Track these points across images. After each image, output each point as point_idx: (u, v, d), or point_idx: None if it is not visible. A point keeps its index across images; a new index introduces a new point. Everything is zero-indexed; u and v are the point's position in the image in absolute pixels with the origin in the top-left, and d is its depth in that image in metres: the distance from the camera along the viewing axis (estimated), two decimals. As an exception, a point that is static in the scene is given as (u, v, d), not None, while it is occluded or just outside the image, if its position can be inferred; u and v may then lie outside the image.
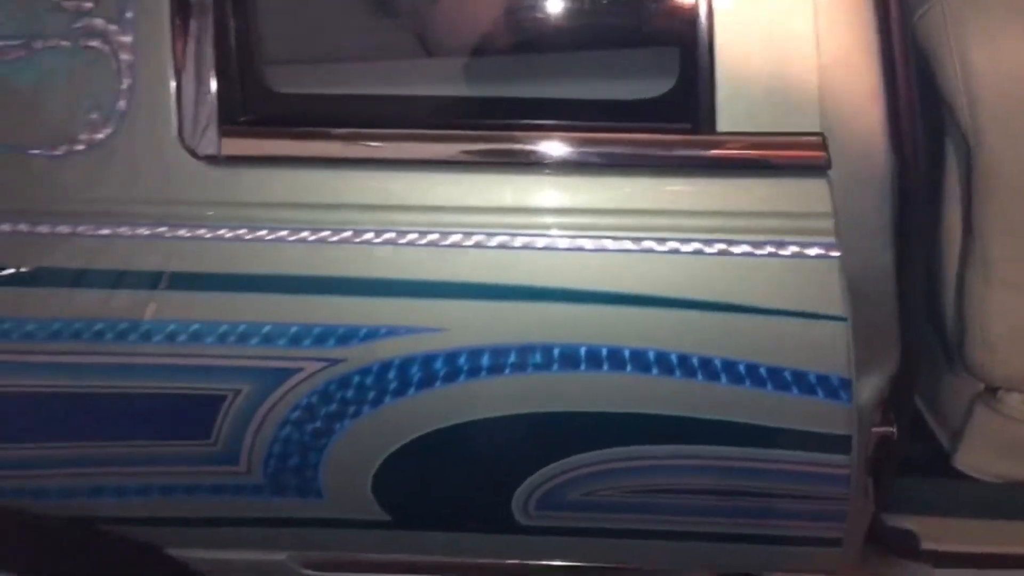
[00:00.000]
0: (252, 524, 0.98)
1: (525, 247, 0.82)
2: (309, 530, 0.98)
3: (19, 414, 0.87)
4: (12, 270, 0.84)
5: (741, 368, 0.83)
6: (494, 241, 0.83)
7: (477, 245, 0.82)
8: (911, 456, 1.07)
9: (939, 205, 1.00)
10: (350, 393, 0.87)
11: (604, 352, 0.84)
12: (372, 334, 0.85)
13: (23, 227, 0.84)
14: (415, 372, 0.86)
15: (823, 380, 0.82)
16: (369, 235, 0.84)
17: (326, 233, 0.83)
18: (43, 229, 0.84)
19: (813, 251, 0.81)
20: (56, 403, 0.87)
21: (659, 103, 0.82)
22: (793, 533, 0.92)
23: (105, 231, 0.83)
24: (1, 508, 0.98)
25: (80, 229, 0.83)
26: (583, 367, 0.84)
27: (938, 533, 1.12)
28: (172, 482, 0.94)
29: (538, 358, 0.84)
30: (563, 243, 0.82)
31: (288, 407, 0.88)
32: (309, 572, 1.04)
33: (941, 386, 1.14)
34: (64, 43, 0.81)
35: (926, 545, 1.11)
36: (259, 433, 0.89)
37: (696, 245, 0.81)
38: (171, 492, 0.95)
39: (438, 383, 0.86)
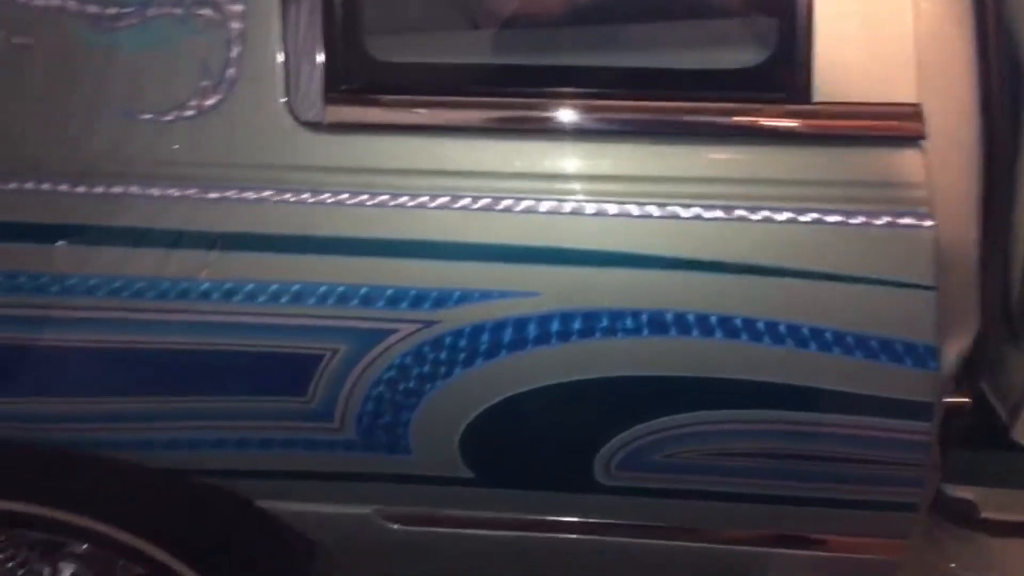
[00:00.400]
0: (342, 479, 1.02)
1: (621, 215, 0.84)
2: (396, 486, 1.01)
3: (129, 369, 0.91)
4: (124, 230, 0.87)
5: (829, 335, 0.84)
6: (590, 208, 0.85)
7: (573, 212, 0.85)
8: (970, 428, 1.09)
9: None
10: (443, 354, 0.90)
11: (692, 318, 0.86)
12: (466, 297, 0.88)
13: (134, 190, 0.87)
14: (507, 335, 0.88)
15: (910, 348, 0.84)
16: (466, 200, 0.86)
17: (424, 199, 0.86)
18: (153, 192, 0.87)
19: (906, 221, 0.82)
20: (164, 359, 0.91)
21: (756, 73, 0.83)
22: (870, 498, 0.94)
23: (212, 195, 0.87)
24: (101, 459, 1.03)
25: (188, 192, 0.87)
26: (673, 332, 0.86)
27: (995, 504, 1.14)
28: (268, 436, 0.98)
29: (629, 323, 0.86)
30: (658, 211, 0.84)
31: (383, 366, 0.91)
32: (393, 526, 1.07)
33: (1002, 359, 1.15)
34: (176, 11, 0.84)
35: (984, 515, 1.13)
36: (353, 391, 0.93)
37: (789, 214, 0.83)
38: (266, 446, 0.99)
39: (529, 346, 0.88)
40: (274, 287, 0.88)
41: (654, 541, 1.03)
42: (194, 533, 1.15)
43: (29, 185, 0.87)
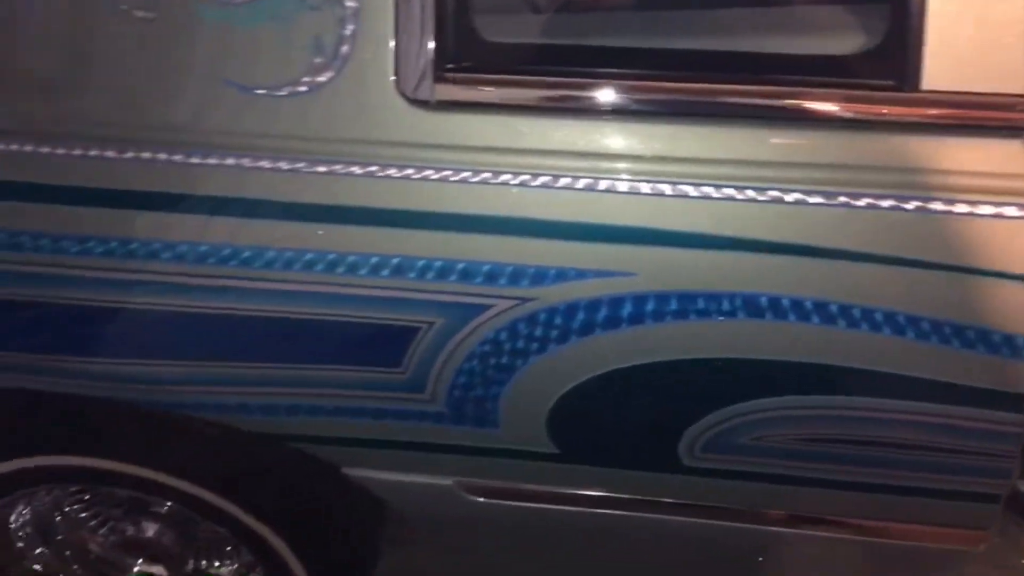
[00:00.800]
0: (428, 449, 1.04)
1: (726, 198, 0.85)
2: (481, 459, 1.04)
3: (232, 335, 0.95)
4: (235, 201, 0.90)
5: (926, 324, 0.85)
6: (691, 191, 0.86)
7: (674, 195, 0.86)
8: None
9: None
10: (537, 331, 0.92)
11: (788, 303, 0.87)
12: (562, 275, 0.90)
13: (246, 162, 0.90)
14: (602, 314, 0.90)
15: (1008, 340, 0.84)
16: (566, 180, 0.88)
17: (526, 177, 0.88)
18: (264, 164, 0.90)
19: (1010, 211, 0.82)
20: (267, 327, 0.94)
21: (865, 59, 0.84)
22: (956, 488, 0.95)
23: (320, 168, 0.89)
24: (193, 421, 1.07)
25: (298, 166, 0.89)
26: (769, 316, 0.87)
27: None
28: (360, 406, 1.01)
29: (725, 305, 0.87)
30: (761, 196, 0.85)
31: (477, 341, 0.93)
32: (474, 498, 1.10)
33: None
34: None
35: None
36: (447, 364, 0.95)
37: (891, 202, 0.83)
38: (358, 415, 1.02)
39: (624, 325, 0.90)
40: (375, 260, 0.90)
41: (733, 524, 1.05)
42: (279, 497, 1.18)
43: (146, 155, 0.91)
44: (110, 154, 0.91)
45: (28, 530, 1.34)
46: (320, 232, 0.90)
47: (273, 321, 0.93)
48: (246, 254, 0.91)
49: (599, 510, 1.08)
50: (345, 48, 0.86)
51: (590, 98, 0.86)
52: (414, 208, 0.89)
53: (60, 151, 0.91)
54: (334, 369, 0.98)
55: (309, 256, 0.91)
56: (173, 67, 0.90)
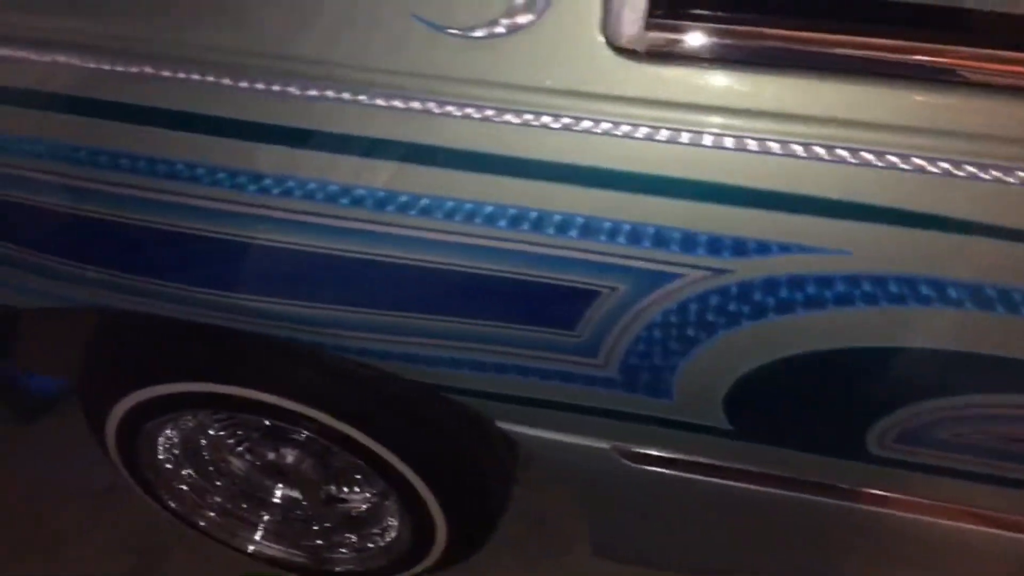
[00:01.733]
0: (591, 413, 1.01)
1: (968, 177, 0.76)
2: (645, 427, 1.00)
3: (408, 286, 0.92)
4: (417, 147, 0.86)
5: None
6: (922, 164, 0.77)
7: (898, 167, 0.77)
8: None
9: None
10: (730, 305, 0.86)
11: (1020, 296, 0.78)
12: (763, 248, 0.83)
13: (432, 107, 0.85)
14: (805, 292, 0.83)
15: None
16: (774, 145, 0.80)
17: (735, 139, 0.80)
18: (451, 110, 0.84)
19: None
20: (443, 279, 0.90)
21: None
22: None
23: (511, 118, 0.83)
24: (351, 363, 1.05)
25: (487, 114, 0.84)
26: (997, 308, 0.79)
27: None
28: (527, 365, 0.97)
29: (952, 293, 0.79)
30: (1009, 176, 0.75)
31: (661, 310, 0.88)
32: (629, 463, 1.07)
33: None
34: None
35: None
36: (625, 331, 0.90)
37: None
38: (523, 373, 0.98)
39: (829, 306, 0.83)
40: (559, 218, 0.85)
41: (910, 515, 0.99)
42: (425, 440, 1.18)
43: (330, 93, 0.86)
44: (292, 90, 0.87)
45: (176, 452, 1.38)
46: (504, 185, 0.85)
47: (447, 274, 0.90)
48: (424, 202, 0.87)
49: (766, 488, 1.03)
50: (551, -16, 0.79)
51: (819, 56, 0.77)
52: (608, 166, 0.83)
53: (243, 84, 0.87)
54: (504, 326, 0.94)
55: (490, 210, 0.86)
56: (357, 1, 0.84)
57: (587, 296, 0.89)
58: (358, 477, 1.43)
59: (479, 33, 0.82)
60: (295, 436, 1.34)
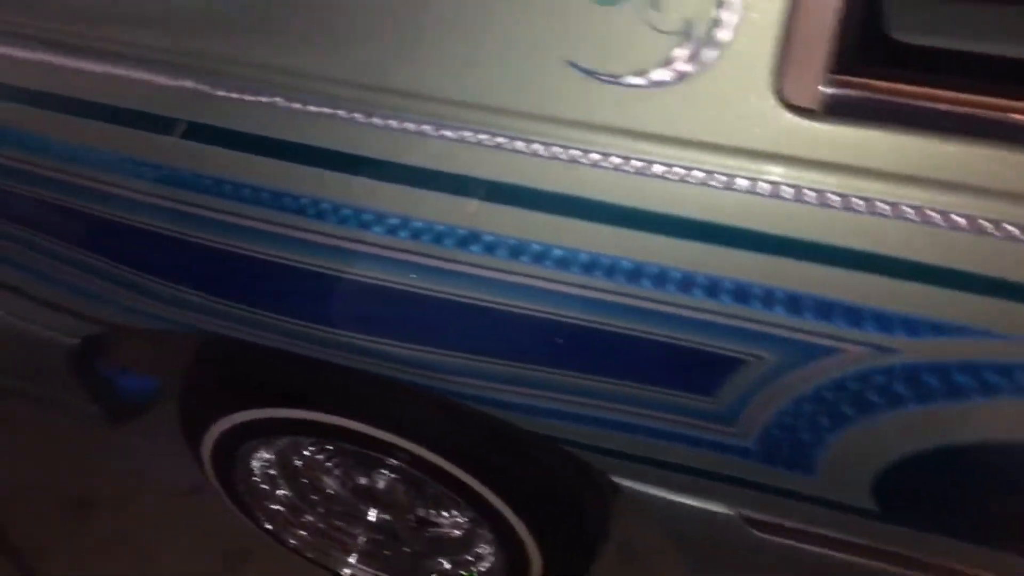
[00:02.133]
0: (719, 479, 0.95)
1: None
2: (778, 498, 0.93)
3: (533, 338, 0.87)
4: (560, 197, 0.80)
5: None
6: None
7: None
8: None
9: None
10: (893, 386, 0.78)
11: None
12: (939, 329, 0.75)
13: (576, 154, 0.79)
14: (984, 378, 0.75)
15: None
16: (960, 221, 0.71)
17: (909, 212, 0.72)
18: (594, 157, 0.78)
19: None
20: (573, 334, 0.85)
21: None
22: None
23: (659, 169, 0.77)
24: (484, 417, 1.00)
25: (635, 165, 0.77)
26: None
27: None
28: (654, 425, 0.91)
29: None
30: None
31: (814, 384, 0.81)
32: (753, 531, 1.00)
33: None
34: (669, -38, 0.72)
35: None
36: (771, 402, 0.84)
37: None
38: (649, 433, 0.93)
39: (1006, 394, 0.75)
40: (708, 280, 0.78)
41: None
42: (529, 485, 1.13)
43: (467, 134, 0.81)
44: (426, 128, 0.82)
45: (271, 471, 1.36)
46: (652, 242, 0.79)
47: (580, 329, 0.84)
48: (559, 253, 0.81)
49: (902, 570, 0.95)
50: (720, 35, 0.72)
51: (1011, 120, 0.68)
52: (770, 230, 0.76)
53: (392, 123, 0.83)
54: (636, 387, 0.88)
55: (632, 266, 0.80)
56: (506, 36, 0.78)
57: (731, 363, 0.82)
58: (452, 502, 1.39)
59: (635, 80, 0.75)
60: (390, 464, 1.31)
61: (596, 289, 0.82)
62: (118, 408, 1.49)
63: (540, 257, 0.82)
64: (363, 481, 1.37)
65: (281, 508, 1.41)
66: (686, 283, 0.79)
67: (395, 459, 1.18)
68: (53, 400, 1.43)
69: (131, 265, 1.02)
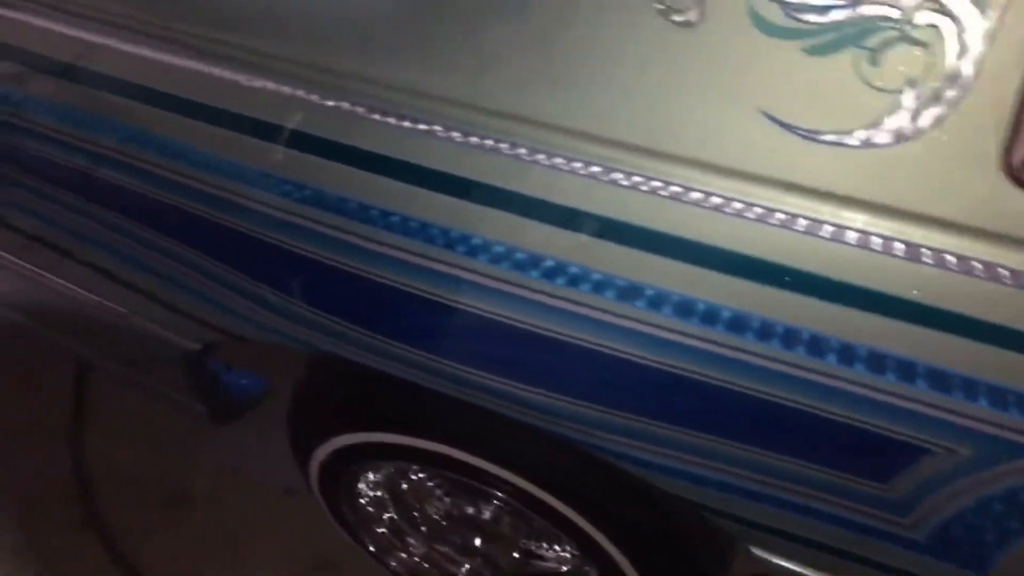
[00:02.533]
0: (875, 566, 0.87)
1: None
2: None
3: (704, 403, 0.81)
4: (730, 254, 0.73)
5: None
6: None
7: None
8: None
9: None
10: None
11: None
12: None
13: (759, 211, 0.72)
14: None
15: None
16: None
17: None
18: (784, 218, 0.72)
19: None
20: (741, 403, 0.78)
21: None
22: None
23: (853, 237, 0.70)
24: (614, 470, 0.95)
25: (829, 231, 0.70)
26: None
27: None
28: (813, 505, 0.84)
29: None
30: None
31: (1007, 484, 0.73)
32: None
33: None
34: (892, 13, 0.65)
35: None
36: (954, 498, 0.76)
37: None
38: (803, 512, 0.86)
39: None
40: (904, 363, 0.71)
41: None
42: (654, 542, 1.07)
43: (637, 178, 0.75)
44: (595, 170, 0.77)
45: (378, 493, 1.33)
46: (844, 316, 0.72)
47: (748, 400, 0.78)
48: (727, 315, 0.75)
49: None
50: (949, 93, 0.65)
51: None
52: (982, 317, 0.68)
53: (557, 160, 0.78)
54: (799, 464, 0.81)
55: (814, 337, 0.73)
56: (702, 81, 0.72)
57: (915, 452, 0.75)
58: (561, 539, 1.35)
59: (846, 140, 0.69)
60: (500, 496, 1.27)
61: (772, 359, 0.75)
62: (223, 407, 1.49)
63: (710, 318, 0.76)
64: (470, 510, 1.33)
65: (385, 531, 1.38)
66: (877, 363, 0.72)
67: (515, 502, 1.14)
68: (162, 393, 1.44)
69: (261, 279, 1.00)
